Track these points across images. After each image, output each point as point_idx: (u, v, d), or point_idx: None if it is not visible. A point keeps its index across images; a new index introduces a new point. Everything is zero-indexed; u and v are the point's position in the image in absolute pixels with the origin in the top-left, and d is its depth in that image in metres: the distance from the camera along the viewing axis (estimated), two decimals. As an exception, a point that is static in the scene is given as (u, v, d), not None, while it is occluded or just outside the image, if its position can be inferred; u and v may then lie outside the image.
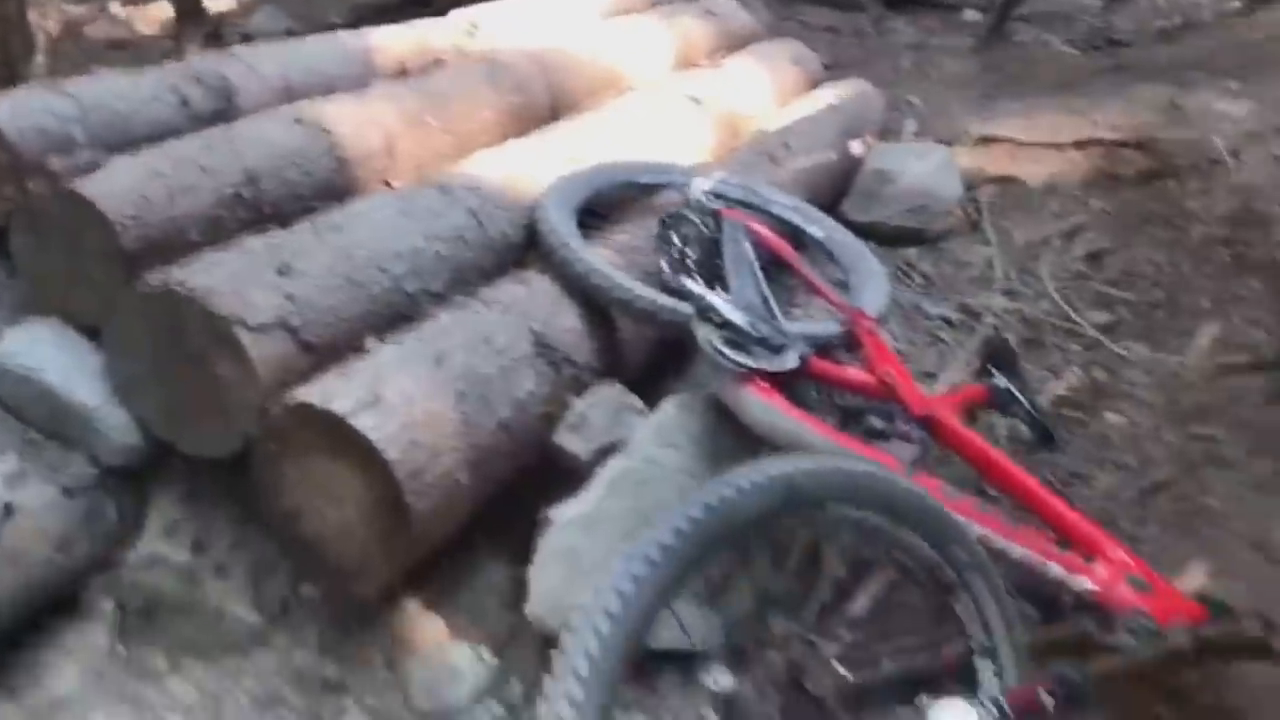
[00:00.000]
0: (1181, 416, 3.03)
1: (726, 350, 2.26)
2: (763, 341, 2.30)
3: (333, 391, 2.03)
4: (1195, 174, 4.06)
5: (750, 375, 2.26)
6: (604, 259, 2.57)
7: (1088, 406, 3.12)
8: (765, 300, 2.49)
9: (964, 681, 1.77)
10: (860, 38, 6.23)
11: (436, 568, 2.31)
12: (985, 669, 1.78)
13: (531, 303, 2.46)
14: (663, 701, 2.27)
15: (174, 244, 2.25)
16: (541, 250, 2.61)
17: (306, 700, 2.19)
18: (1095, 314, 3.54)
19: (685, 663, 2.25)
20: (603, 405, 2.37)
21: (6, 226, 2.36)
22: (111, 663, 2.20)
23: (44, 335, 2.29)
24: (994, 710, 1.63)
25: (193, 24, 5.14)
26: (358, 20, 4.56)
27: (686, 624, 2.12)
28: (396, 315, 2.35)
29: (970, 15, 6.48)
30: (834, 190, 3.92)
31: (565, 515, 2.26)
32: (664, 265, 2.61)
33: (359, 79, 3.13)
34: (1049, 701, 1.68)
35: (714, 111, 3.65)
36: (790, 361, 2.28)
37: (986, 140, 4.57)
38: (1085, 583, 2.01)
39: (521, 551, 2.30)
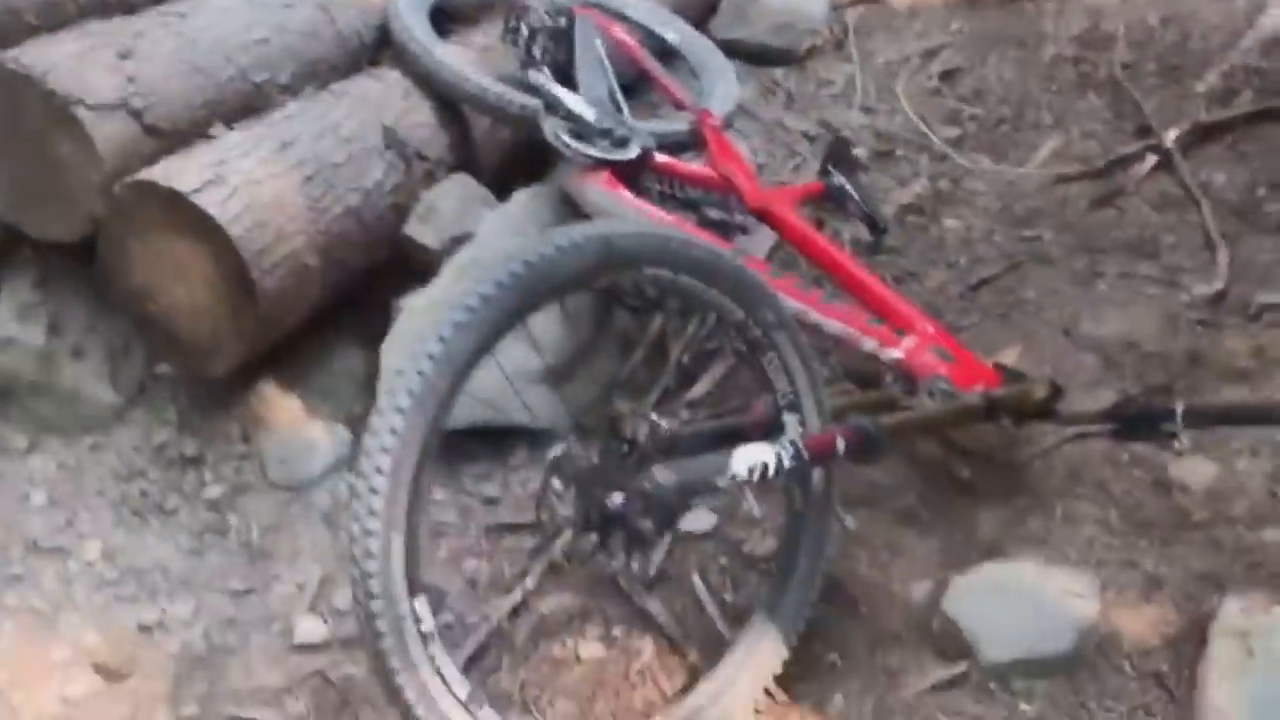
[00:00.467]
0: (1014, 221, 3.22)
1: (570, 141, 2.35)
2: (607, 134, 2.40)
3: (176, 171, 2.08)
4: (1050, -6, 4.19)
5: (594, 165, 2.36)
6: (457, 56, 2.61)
7: (929, 213, 3.29)
8: (613, 96, 2.57)
9: (774, 435, 1.93)
10: None
11: (293, 352, 2.40)
12: (791, 421, 1.94)
13: (384, 97, 2.51)
14: (514, 473, 2.43)
15: (10, 27, 2.23)
16: (395, 48, 2.64)
17: (166, 474, 2.29)
18: (946, 129, 3.68)
19: (534, 439, 2.40)
20: (452, 196, 2.45)
21: None
22: (-31, 441, 2.27)
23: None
24: (790, 450, 1.80)
25: None
26: None
27: (534, 406, 2.26)
28: (245, 106, 2.38)
29: None
30: (702, 7, 3.96)
31: (415, 302, 2.37)
32: (515, 60, 2.66)
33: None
34: (842, 446, 1.86)
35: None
36: (631, 153, 2.38)
37: (854, -38, 4.61)
38: (893, 353, 2.19)
39: (376, 338, 2.40)
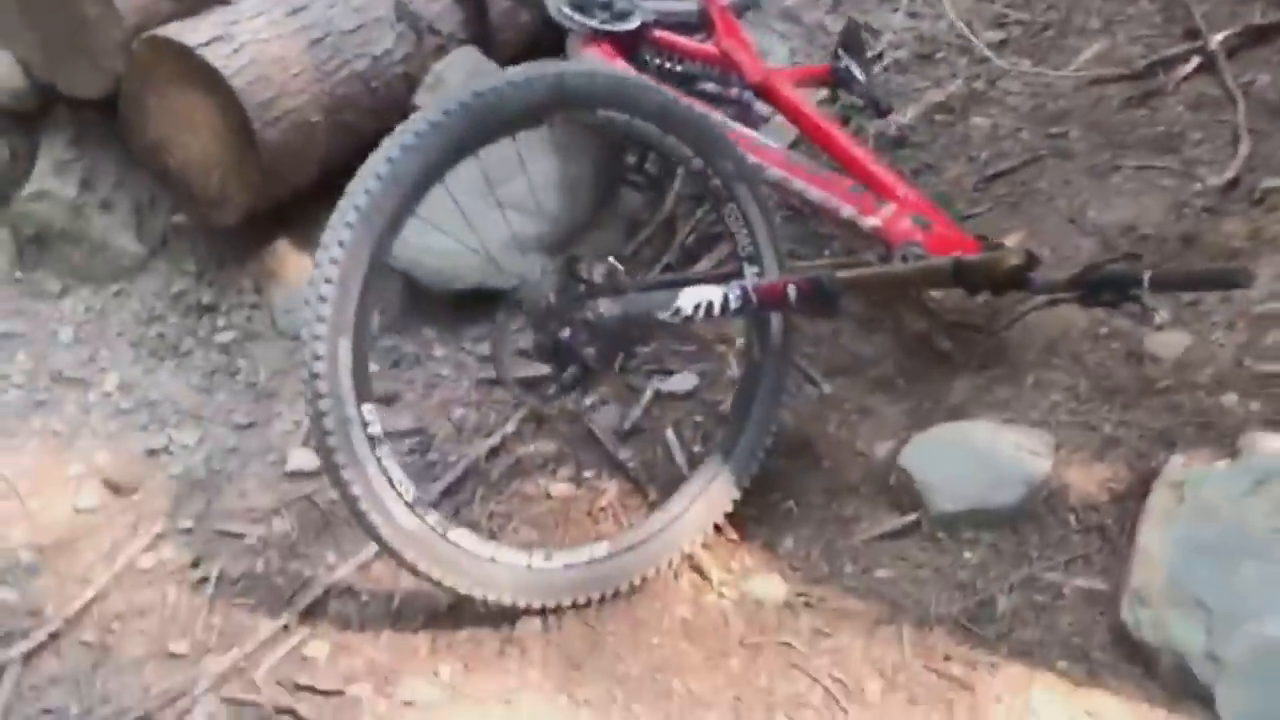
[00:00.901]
0: (1043, 120, 3.18)
1: (570, 11, 2.43)
2: (608, 7, 2.46)
3: (188, 29, 2.22)
4: (1115, -99, 4.08)
5: (593, 36, 2.43)
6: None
7: (959, 112, 3.27)
8: (622, -23, 2.62)
9: (732, 282, 1.99)
10: None
11: (304, 211, 2.53)
12: (750, 273, 2.00)
13: (399, -28, 2.60)
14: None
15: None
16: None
17: (183, 319, 2.46)
18: (990, 33, 3.63)
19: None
20: (458, 67, 2.55)
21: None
22: (9, 283, 2.48)
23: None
24: (738, 292, 1.87)
25: None
26: None
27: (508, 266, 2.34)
28: (265, -23, 2.50)
29: None
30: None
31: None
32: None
33: None
34: (794, 293, 1.91)
35: None
36: (629, 25, 2.44)
37: None
38: (871, 220, 2.23)
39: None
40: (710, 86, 2.49)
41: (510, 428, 2.25)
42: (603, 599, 1.90)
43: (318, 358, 1.65)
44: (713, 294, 1.86)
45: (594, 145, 2.55)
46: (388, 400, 2.34)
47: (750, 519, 2.05)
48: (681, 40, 2.55)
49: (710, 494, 1.99)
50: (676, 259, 2.68)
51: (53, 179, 2.47)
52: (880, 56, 3.56)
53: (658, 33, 2.51)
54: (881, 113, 2.67)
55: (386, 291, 2.46)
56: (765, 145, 2.30)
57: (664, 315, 1.83)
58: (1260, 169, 2.65)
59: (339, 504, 2.13)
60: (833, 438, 2.21)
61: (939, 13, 3.79)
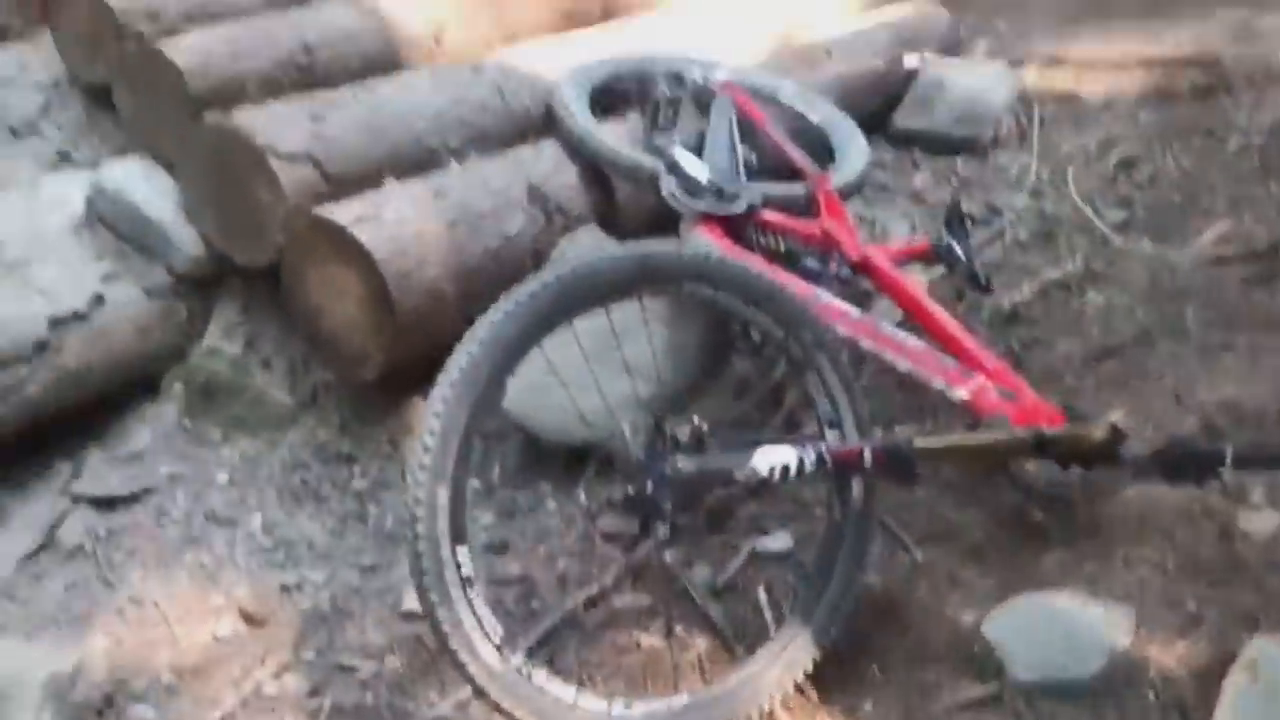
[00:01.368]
0: (1159, 297, 3.21)
1: (679, 195, 2.65)
2: (717, 191, 2.68)
3: (340, 209, 2.52)
4: (1250, 88, 4.14)
5: (703, 218, 2.64)
6: (604, 128, 2.97)
7: (1074, 289, 3.34)
8: (735, 162, 2.84)
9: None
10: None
11: (437, 371, 2.77)
12: (831, 436, 2.11)
13: (535, 160, 2.90)
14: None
15: (235, 96, 2.78)
16: (552, 120, 3.03)
17: (325, 468, 2.72)
18: (1112, 213, 3.71)
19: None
20: (580, 244, 2.78)
21: (112, 82, 2.95)
22: (178, 431, 2.79)
23: (135, 168, 2.90)
24: (813, 455, 1.98)
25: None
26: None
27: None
28: (415, 165, 2.82)
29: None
30: (882, 98, 4.17)
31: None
32: (646, 128, 3.00)
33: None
34: (869, 458, 2.01)
35: (766, 20, 3.96)
36: (737, 208, 2.65)
37: (1056, 61, 4.71)
38: (960, 392, 2.32)
39: (512, 367, 2.75)
40: (813, 264, 2.64)
41: (608, 580, 2.38)
42: (682, 750, 1.96)
43: (418, 503, 1.83)
44: (788, 456, 1.97)
45: (703, 315, 2.72)
46: (499, 549, 2.51)
47: (832, 680, 2.10)
48: (786, 221, 2.73)
49: (790, 653, 2.06)
50: (781, 423, 2.80)
51: (222, 338, 2.80)
52: (1001, 235, 3.64)
53: (764, 214, 2.70)
54: (983, 289, 2.78)
55: (505, 446, 2.66)
56: (859, 319, 2.42)
57: (740, 474, 1.96)
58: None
59: (442, 644, 2.31)
60: (921, 604, 2.25)
61: (1061, 192, 3.90)
